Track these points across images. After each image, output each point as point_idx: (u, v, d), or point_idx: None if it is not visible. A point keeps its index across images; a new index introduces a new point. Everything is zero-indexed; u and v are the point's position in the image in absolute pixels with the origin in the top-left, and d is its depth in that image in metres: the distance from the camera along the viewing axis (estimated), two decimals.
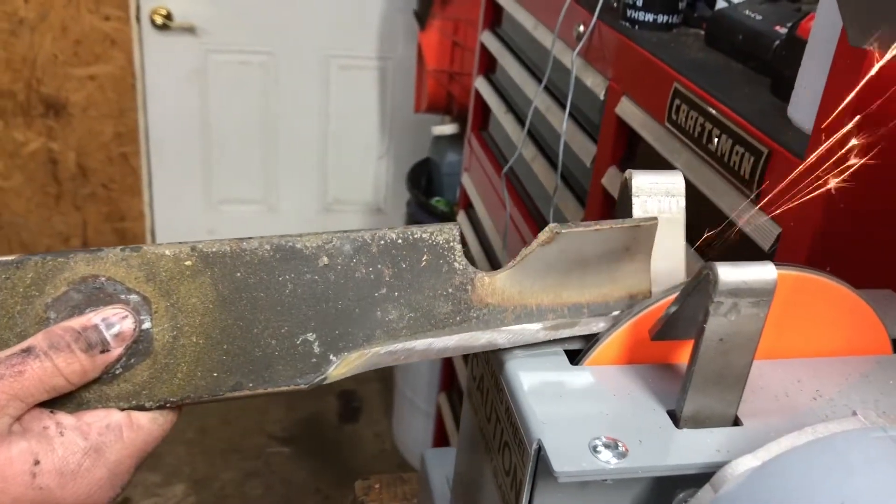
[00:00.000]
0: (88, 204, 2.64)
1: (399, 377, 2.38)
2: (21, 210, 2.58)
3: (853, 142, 0.72)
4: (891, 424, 0.41)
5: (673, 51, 1.07)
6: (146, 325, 0.45)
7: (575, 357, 0.51)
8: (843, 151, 0.72)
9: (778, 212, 0.78)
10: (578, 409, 0.46)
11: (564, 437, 0.43)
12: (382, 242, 0.48)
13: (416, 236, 0.48)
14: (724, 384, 0.45)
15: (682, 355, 0.50)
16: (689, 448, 0.44)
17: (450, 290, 0.49)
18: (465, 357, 0.59)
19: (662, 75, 1.01)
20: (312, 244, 0.47)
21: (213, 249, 0.46)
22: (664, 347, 0.50)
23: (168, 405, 0.46)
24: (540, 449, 0.43)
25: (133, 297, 0.45)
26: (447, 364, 2.09)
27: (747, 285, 0.42)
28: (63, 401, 0.44)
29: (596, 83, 1.19)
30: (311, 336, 0.47)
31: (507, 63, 1.61)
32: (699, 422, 0.45)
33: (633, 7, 1.14)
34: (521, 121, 1.55)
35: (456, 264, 0.49)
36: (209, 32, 2.51)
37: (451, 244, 0.49)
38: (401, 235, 0.48)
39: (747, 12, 1.06)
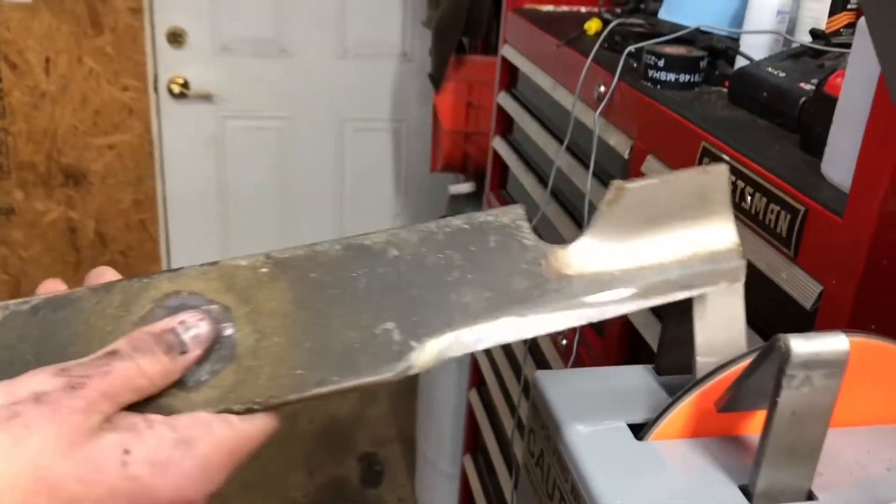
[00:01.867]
0: None
1: (421, 438, 2.35)
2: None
3: (893, 198, 0.71)
4: None
5: (697, 109, 1.07)
6: (228, 331, 0.46)
7: (639, 431, 0.50)
8: (884, 207, 0.72)
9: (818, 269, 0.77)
10: (649, 486, 0.45)
11: None
12: (448, 230, 0.48)
13: (480, 220, 0.49)
14: (797, 457, 0.44)
15: (748, 426, 0.49)
16: None
17: (523, 267, 0.48)
18: (520, 430, 0.57)
19: (689, 134, 1.01)
20: (380, 239, 0.48)
21: (287, 255, 0.47)
22: (729, 420, 0.49)
23: (255, 407, 0.46)
24: None
25: (213, 307, 0.46)
26: (471, 424, 2.06)
27: (819, 357, 0.41)
28: (151, 408, 0.44)
29: (619, 142, 1.20)
30: (390, 325, 0.47)
31: (525, 123, 1.63)
32: (773, 497, 0.44)
33: (655, 67, 1.16)
34: (541, 179, 1.56)
35: (526, 241, 0.49)
36: (225, 100, 2.55)
37: (518, 223, 0.49)
38: (466, 221, 0.49)
39: (770, 69, 1.07)
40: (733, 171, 0.92)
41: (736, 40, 1.24)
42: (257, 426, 0.46)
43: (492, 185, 1.90)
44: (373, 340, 0.46)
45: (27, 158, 2.44)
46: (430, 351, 0.46)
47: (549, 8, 1.73)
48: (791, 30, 1.22)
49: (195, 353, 0.45)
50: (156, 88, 2.49)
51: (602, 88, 1.25)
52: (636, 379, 0.54)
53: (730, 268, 0.49)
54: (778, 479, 0.44)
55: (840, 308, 0.75)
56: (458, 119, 2.19)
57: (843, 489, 0.45)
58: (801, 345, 0.41)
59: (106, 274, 0.50)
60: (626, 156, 1.18)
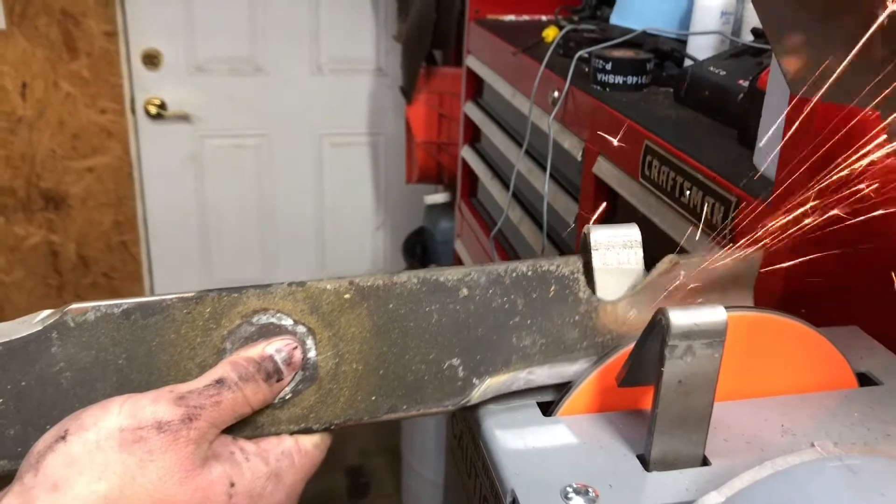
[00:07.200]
0: (90, 293, 2.67)
1: (405, 449, 2.37)
2: (23, 304, 2.61)
3: (813, 186, 0.74)
4: (847, 454, 0.42)
5: (643, 109, 1.10)
6: (311, 353, 0.49)
7: (548, 409, 0.52)
8: (805, 195, 0.74)
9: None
10: (550, 459, 0.47)
11: (537, 487, 0.45)
12: (514, 275, 0.52)
13: (544, 269, 0.53)
14: (687, 425, 0.46)
15: (650, 400, 0.52)
16: (658, 490, 0.45)
17: (576, 318, 0.53)
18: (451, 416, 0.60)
19: (634, 133, 1.04)
20: (454, 277, 0.51)
21: (369, 283, 0.50)
22: (633, 393, 0.51)
23: (332, 427, 0.50)
24: (514, 500, 0.44)
25: (299, 328, 0.49)
26: None
27: (699, 327, 0.44)
28: (240, 425, 0.47)
29: (573, 145, 1.23)
30: (455, 361, 0.51)
31: (490, 131, 1.66)
32: (668, 464, 0.47)
33: (603, 71, 1.19)
34: (507, 186, 1.59)
35: (581, 294, 0.53)
36: (203, 119, 2.58)
37: (576, 275, 0.53)
38: (530, 268, 0.52)
39: (712, 68, 1.10)
40: (672, 166, 0.94)
41: (684, 42, 1.27)
42: (322, 450, 0.50)
43: (462, 193, 1.93)
44: (440, 374, 0.51)
45: (6, 183, 2.47)
46: (487, 388, 0.51)
47: (510, 18, 1.76)
48: (737, 30, 1.25)
49: (288, 379, 0.48)
50: (133, 110, 2.52)
51: (556, 93, 1.28)
52: None
53: None
54: (671, 446, 0.46)
55: (770, 294, 0.77)
56: (430, 130, 2.22)
57: (735, 454, 0.48)
58: (681, 316, 0.44)
59: None
60: (579, 157, 1.21)
